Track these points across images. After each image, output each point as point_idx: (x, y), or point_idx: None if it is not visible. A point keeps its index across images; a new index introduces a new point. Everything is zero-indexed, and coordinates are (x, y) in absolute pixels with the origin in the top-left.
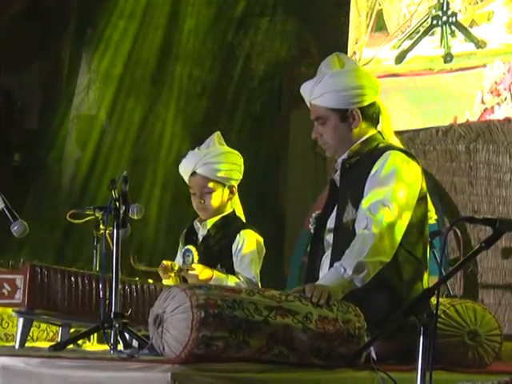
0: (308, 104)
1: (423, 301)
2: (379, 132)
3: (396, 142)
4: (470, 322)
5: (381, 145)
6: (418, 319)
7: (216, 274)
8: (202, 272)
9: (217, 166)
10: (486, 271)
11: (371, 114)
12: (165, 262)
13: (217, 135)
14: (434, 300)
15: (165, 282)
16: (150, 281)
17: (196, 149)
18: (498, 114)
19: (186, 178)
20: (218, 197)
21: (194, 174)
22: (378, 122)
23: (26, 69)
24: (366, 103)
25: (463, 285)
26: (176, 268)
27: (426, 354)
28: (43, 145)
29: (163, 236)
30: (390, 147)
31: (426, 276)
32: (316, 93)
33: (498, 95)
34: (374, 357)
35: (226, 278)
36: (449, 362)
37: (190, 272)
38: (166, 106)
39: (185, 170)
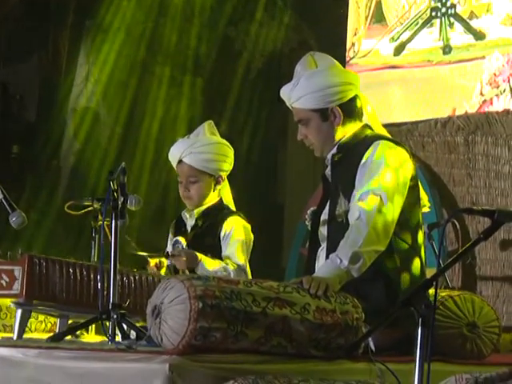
0: (290, 107)
1: (421, 292)
2: (366, 124)
3: (384, 132)
4: (468, 313)
5: (369, 136)
6: (416, 310)
7: (204, 258)
8: (189, 257)
9: (203, 156)
10: (485, 263)
11: (353, 109)
12: (152, 264)
13: (208, 124)
14: (432, 291)
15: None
16: (149, 270)
17: (186, 137)
18: (497, 106)
19: (174, 165)
20: (203, 187)
21: (180, 162)
22: (361, 115)
23: (24, 61)
24: (345, 99)
25: (461, 277)
26: (165, 264)
27: (425, 346)
28: (42, 136)
29: (149, 224)
30: (377, 137)
31: (416, 263)
32: (294, 96)
33: (497, 87)
34: (373, 348)
35: (210, 263)
36: (447, 353)
37: (178, 258)
38: (160, 96)
39: (173, 157)
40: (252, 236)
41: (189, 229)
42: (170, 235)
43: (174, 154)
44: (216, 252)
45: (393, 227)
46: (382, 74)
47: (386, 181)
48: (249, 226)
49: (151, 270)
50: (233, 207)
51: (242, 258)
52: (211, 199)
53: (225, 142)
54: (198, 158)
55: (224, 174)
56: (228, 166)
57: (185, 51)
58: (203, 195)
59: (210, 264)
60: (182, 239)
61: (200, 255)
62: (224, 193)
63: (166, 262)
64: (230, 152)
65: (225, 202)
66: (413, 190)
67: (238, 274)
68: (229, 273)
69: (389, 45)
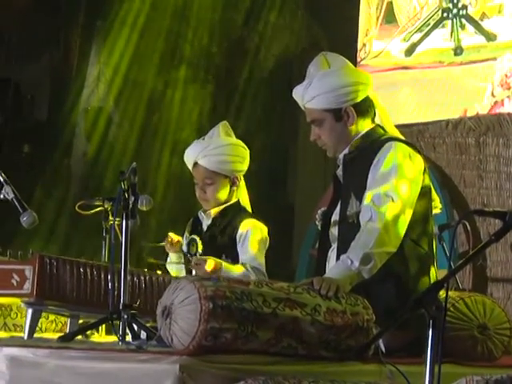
0: (302, 107)
1: (432, 294)
2: (379, 125)
3: (396, 133)
4: (479, 315)
5: (382, 137)
6: (427, 312)
7: (225, 265)
8: (209, 264)
9: (218, 158)
10: (495, 265)
11: (366, 109)
12: (171, 235)
13: (222, 125)
14: (443, 293)
15: (169, 267)
16: (159, 272)
17: (201, 138)
18: (508, 107)
19: (190, 168)
20: (218, 188)
21: (196, 164)
22: (374, 116)
23: (36, 60)
24: (358, 99)
25: (472, 278)
26: (180, 244)
27: (435, 347)
28: (53, 136)
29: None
30: (390, 139)
31: (433, 269)
32: (308, 96)
33: (508, 88)
34: (383, 349)
35: (233, 269)
36: (457, 355)
37: (199, 266)
38: (174, 95)
39: (188, 159)
40: (268, 239)
41: (205, 228)
42: (186, 234)
43: (189, 156)
44: (230, 252)
45: (404, 229)
46: (393, 75)
47: (398, 183)
48: (265, 229)
49: (167, 243)
50: (249, 209)
51: (259, 260)
52: (228, 200)
53: (240, 142)
54: (212, 160)
55: (240, 175)
56: (243, 166)
57: (198, 51)
58: (219, 196)
59: (231, 270)
60: (197, 238)
61: (222, 262)
62: (241, 194)
63: (181, 240)
64: (245, 153)
65: (242, 203)
66: (425, 196)
67: (257, 277)
68: (248, 276)
69: (400, 45)
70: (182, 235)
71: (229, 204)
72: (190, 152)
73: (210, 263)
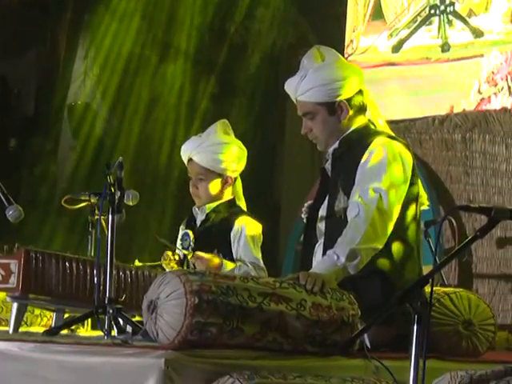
0: (294, 100)
1: (417, 289)
2: (369, 120)
3: (387, 128)
4: (464, 311)
5: (372, 132)
6: (412, 307)
7: (225, 262)
8: (211, 259)
9: (212, 156)
10: (481, 261)
11: (358, 103)
12: (169, 253)
13: (221, 123)
14: (428, 288)
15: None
16: (144, 265)
17: (198, 135)
18: (495, 104)
19: (186, 163)
20: (210, 185)
21: (190, 160)
22: (365, 110)
23: (22, 55)
24: (352, 93)
25: (458, 274)
26: (177, 258)
27: (420, 343)
28: (39, 131)
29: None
30: (380, 134)
31: (419, 266)
32: (301, 89)
33: (495, 85)
34: (368, 344)
35: (234, 267)
36: (442, 350)
37: (200, 260)
38: (163, 91)
39: (184, 154)
40: (261, 236)
41: (198, 223)
42: (180, 231)
43: (185, 151)
44: (222, 248)
45: (391, 226)
46: (380, 71)
47: (386, 180)
48: (259, 226)
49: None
50: (244, 207)
51: (257, 256)
52: (220, 197)
53: (237, 142)
54: (206, 157)
55: (233, 175)
56: (238, 166)
57: (184, 47)
58: (210, 194)
59: (230, 267)
60: (190, 232)
61: (221, 259)
62: (236, 192)
63: (177, 255)
64: (242, 153)
65: (237, 201)
66: (417, 194)
67: (257, 272)
68: (248, 272)
69: (387, 42)
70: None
71: (223, 201)
72: (185, 147)
73: (214, 260)
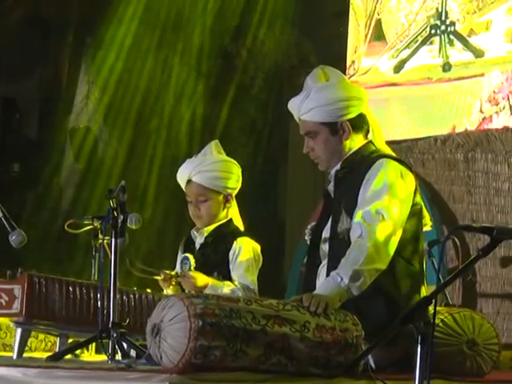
0: (297, 120)
1: (421, 309)
2: (371, 141)
3: (388, 150)
4: (468, 330)
5: (374, 153)
6: (415, 328)
7: (212, 281)
8: (198, 279)
9: (212, 174)
10: (485, 280)
11: (361, 124)
12: (167, 272)
13: (214, 143)
14: (431, 308)
15: (164, 291)
16: (148, 290)
17: (193, 156)
18: (497, 123)
19: (183, 186)
20: (213, 205)
21: (189, 181)
22: (368, 132)
23: (25, 78)
24: (354, 114)
25: (462, 294)
26: (175, 278)
27: (424, 363)
28: (42, 154)
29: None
30: (383, 155)
31: (423, 287)
32: (304, 108)
33: (497, 104)
34: (372, 365)
35: (222, 286)
36: (447, 370)
37: (187, 279)
38: (162, 113)
39: (181, 177)
40: (261, 257)
41: (197, 246)
42: (180, 253)
43: (183, 174)
44: (223, 270)
45: (394, 246)
46: (381, 92)
47: (389, 201)
48: (258, 247)
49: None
50: (241, 227)
51: (249, 278)
52: (221, 218)
53: (232, 160)
54: (206, 176)
55: (233, 192)
56: (236, 183)
57: (187, 69)
58: (213, 214)
59: (219, 287)
60: (190, 256)
61: (209, 278)
62: (232, 213)
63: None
64: (238, 170)
65: (234, 222)
66: (416, 214)
67: (245, 293)
68: (237, 294)
69: (388, 62)
70: (175, 254)
71: (221, 223)
72: (183, 170)
73: (202, 279)
